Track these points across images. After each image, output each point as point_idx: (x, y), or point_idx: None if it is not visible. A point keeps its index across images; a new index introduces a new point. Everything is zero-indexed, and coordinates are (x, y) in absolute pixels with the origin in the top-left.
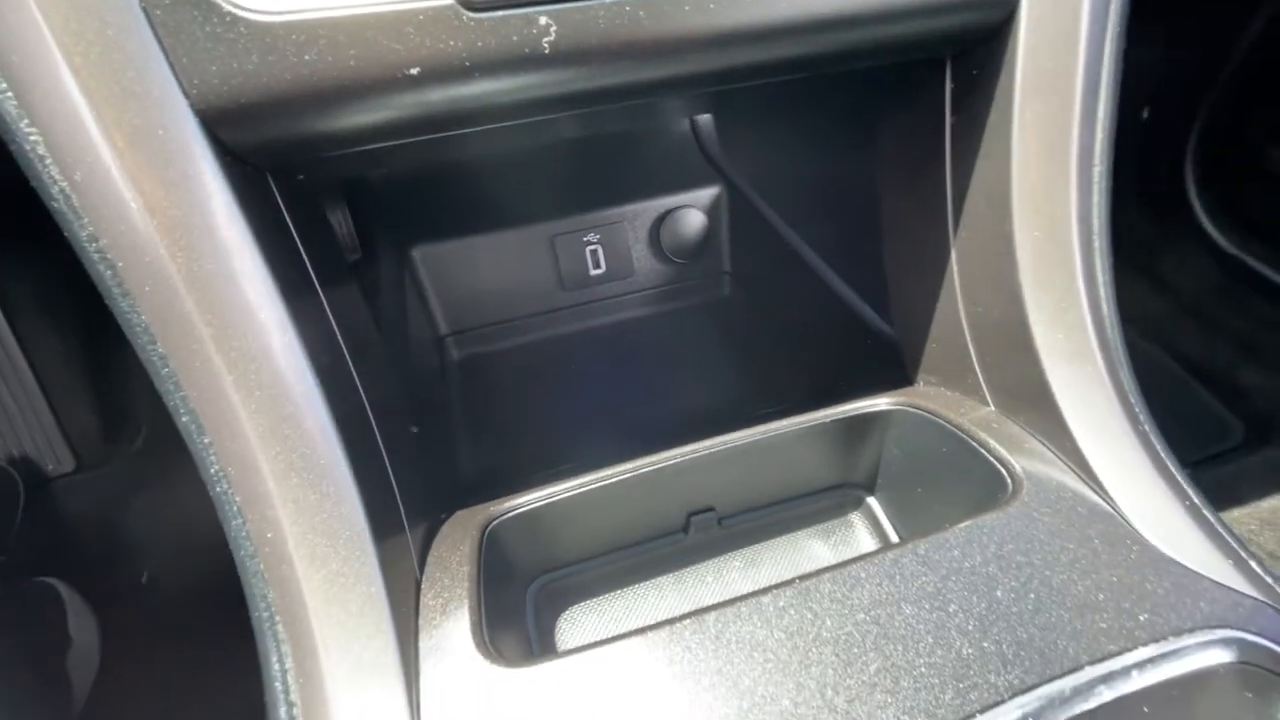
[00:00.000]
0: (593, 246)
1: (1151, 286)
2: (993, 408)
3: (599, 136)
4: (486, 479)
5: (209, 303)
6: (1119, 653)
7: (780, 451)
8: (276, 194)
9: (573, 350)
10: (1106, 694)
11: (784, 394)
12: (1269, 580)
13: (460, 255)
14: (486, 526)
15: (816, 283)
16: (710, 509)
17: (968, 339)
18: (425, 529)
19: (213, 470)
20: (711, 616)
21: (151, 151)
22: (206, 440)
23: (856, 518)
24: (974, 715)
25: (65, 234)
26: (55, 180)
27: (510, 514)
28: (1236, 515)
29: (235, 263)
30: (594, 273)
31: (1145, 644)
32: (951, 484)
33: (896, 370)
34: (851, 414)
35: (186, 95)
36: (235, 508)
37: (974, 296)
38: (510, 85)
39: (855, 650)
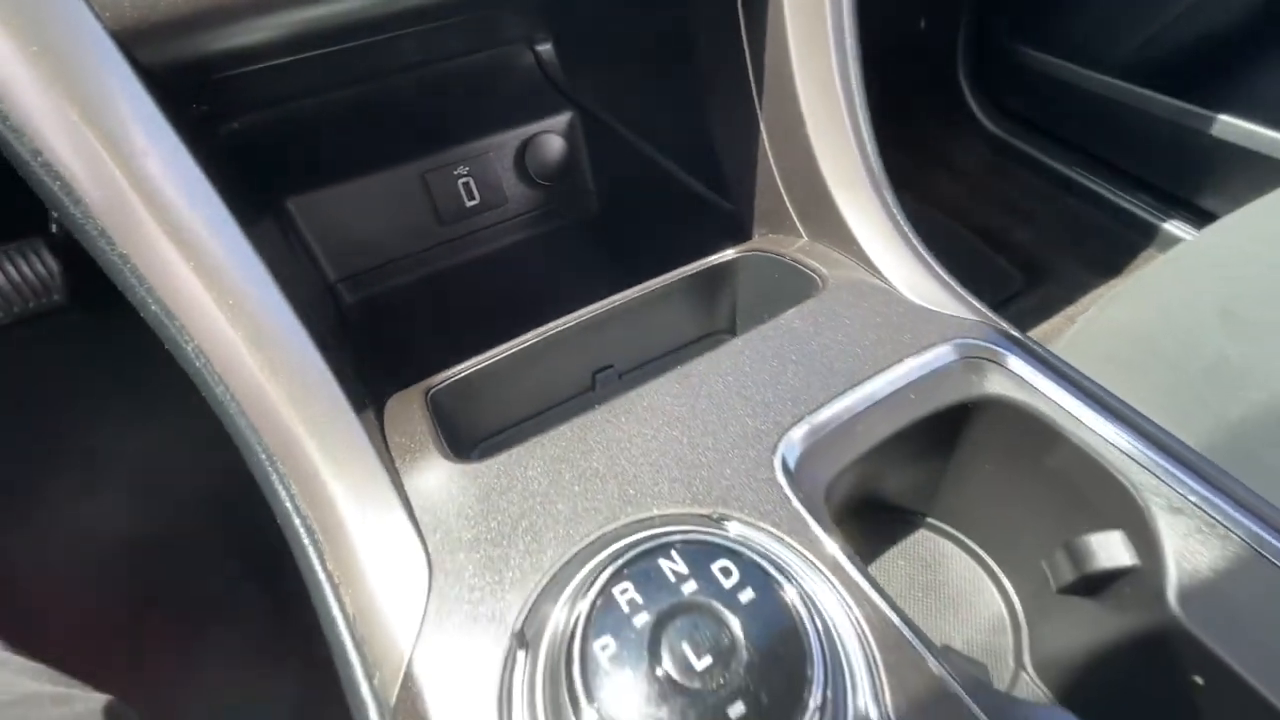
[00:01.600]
0: (464, 179)
1: (946, 173)
2: (805, 239)
3: (454, 74)
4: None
5: (158, 201)
6: (893, 362)
7: (657, 307)
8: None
9: (463, 279)
10: (886, 386)
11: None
12: (981, 308)
13: (336, 202)
14: (428, 393)
15: (669, 182)
16: (610, 366)
17: (782, 192)
18: (374, 401)
19: (188, 349)
20: (600, 414)
21: (79, 65)
22: (178, 324)
23: None
24: (785, 430)
25: (7, 155)
26: None
27: (446, 382)
28: None
29: (175, 161)
30: (469, 204)
31: (910, 354)
32: (782, 301)
33: (741, 235)
34: (708, 266)
35: (99, 19)
36: (215, 376)
37: (781, 158)
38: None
39: (703, 406)
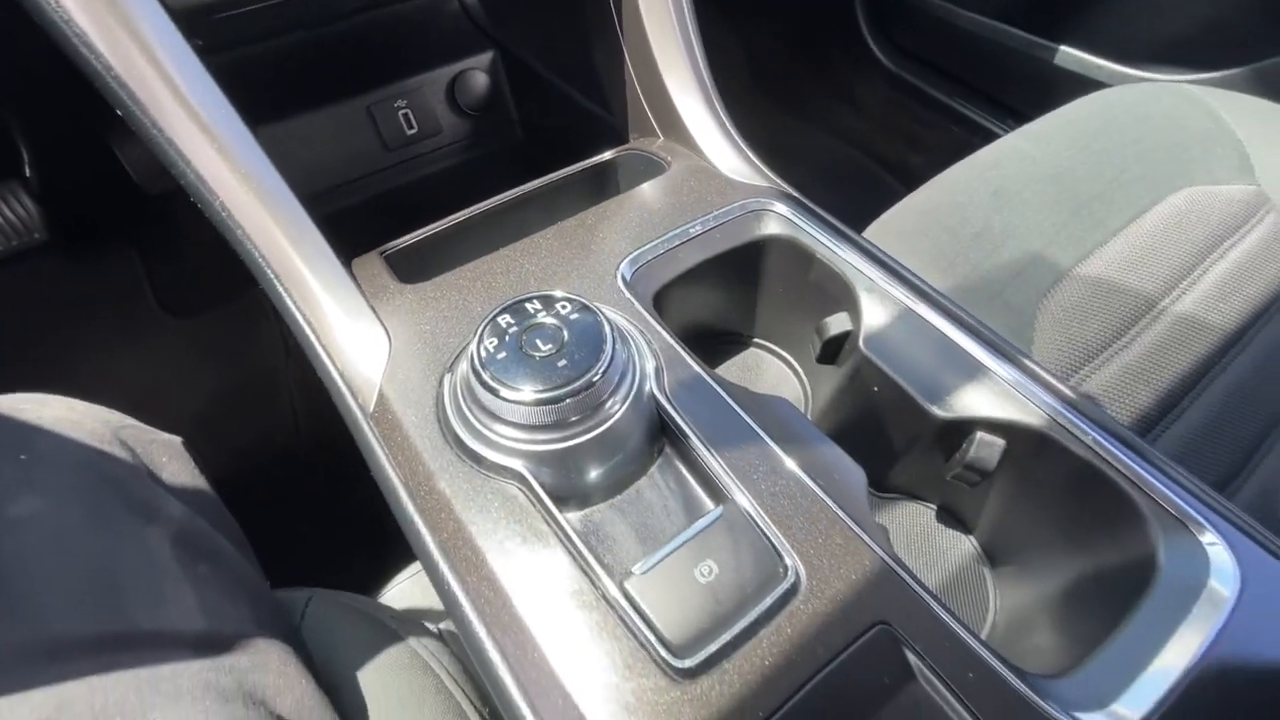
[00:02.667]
0: (403, 111)
1: (850, 109)
2: (661, 138)
3: (391, 20)
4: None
5: (191, 104)
6: (705, 214)
7: (557, 194)
8: None
9: (409, 196)
10: (698, 229)
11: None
12: (773, 178)
13: (297, 132)
14: (383, 252)
15: (572, 105)
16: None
17: (644, 106)
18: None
19: (206, 194)
20: (504, 252)
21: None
22: (208, 188)
23: None
24: (625, 256)
25: (68, 52)
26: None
27: (398, 247)
28: None
29: (202, 78)
30: (409, 133)
31: (717, 208)
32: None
33: (623, 141)
34: (594, 163)
35: None
36: (233, 220)
37: (641, 79)
38: None
39: (575, 244)
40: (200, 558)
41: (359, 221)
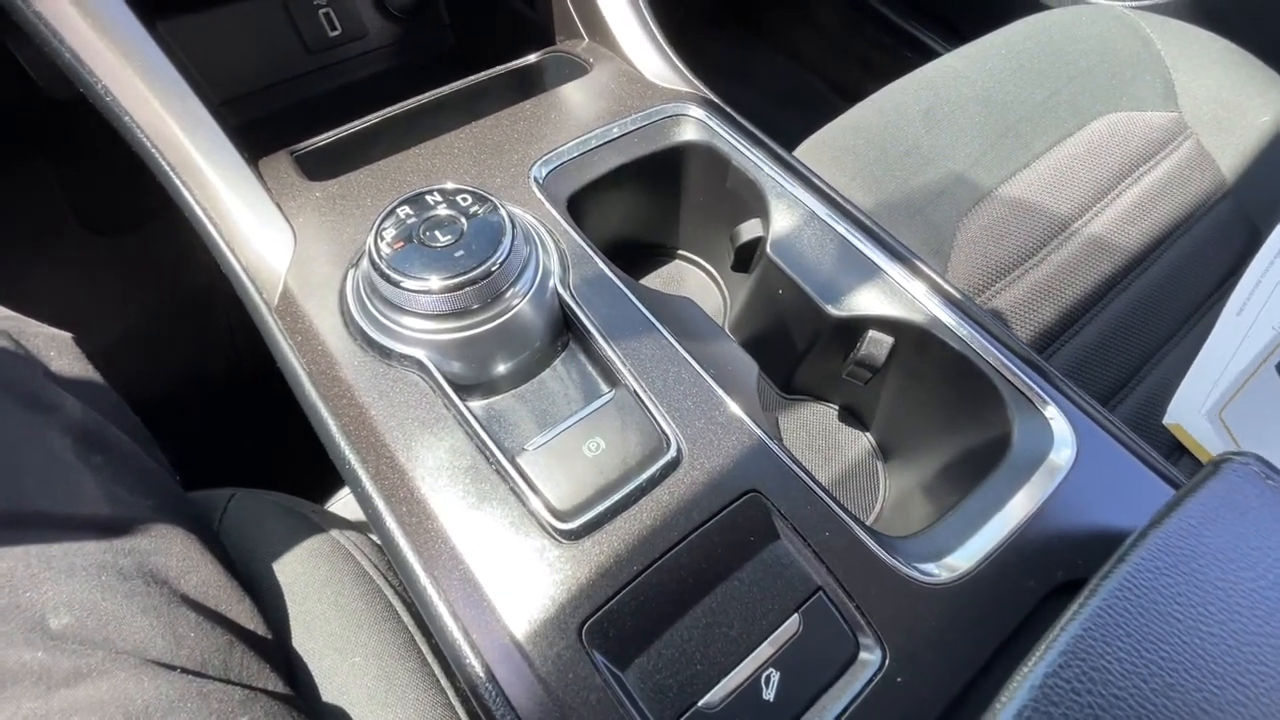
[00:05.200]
0: (324, 9)
1: (806, 27)
2: (587, 41)
3: None
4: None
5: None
6: (624, 117)
7: (479, 96)
8: None
9: (334, 101)
10: (616, 131)
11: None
12: (696, 84)
13: (205, 28)
14: (293, 153)
15: (504, 8)
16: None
17: (570, 9)
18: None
19: (85, 76)
20: (415, 150)
21: None
22: (111, 95)
23: None
24: (540, 157)
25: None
26: None
27: (309, 147)
28: None
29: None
30: (332, 34)
31: (636, 112)
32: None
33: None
34: (520, 64)
35: None
36: (119, 106)
37: None
38: None
39: (489, 145)
40: (95, 449)
41: (276, 130)
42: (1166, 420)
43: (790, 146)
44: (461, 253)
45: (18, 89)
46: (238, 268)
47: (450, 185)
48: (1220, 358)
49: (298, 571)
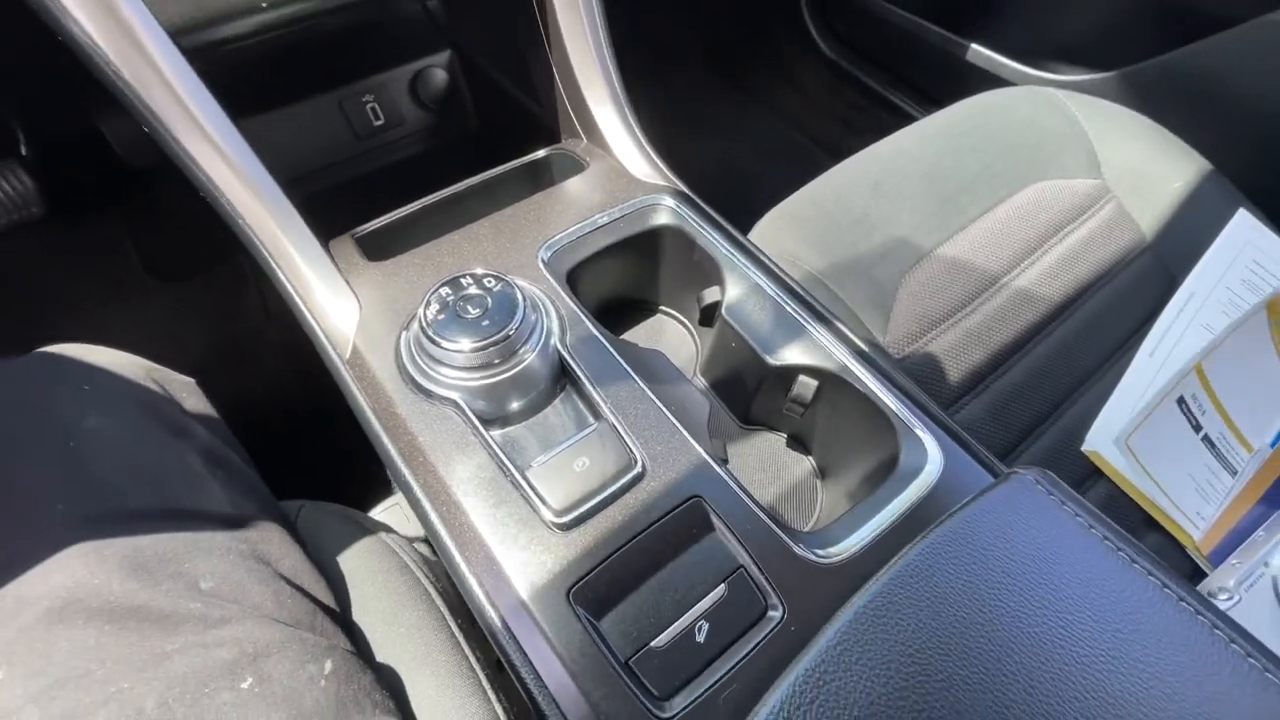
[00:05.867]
0: (371, 104)
1: (793, 90)
2: (584, 140)
3: (358, 23)
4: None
5: (192, 108)
6: (611, 207)
7: (498, 185)
8: None
9: (377, 180)
10: (605, 219)
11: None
12: (672, 178)
13: (275, 125)
14: (354, 235)
15: (517, 104)
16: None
17: (570, 111)
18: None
19: (214, 193)
20: (448, 237)
21: (152, 43)
22: (209, 176)
23: None
24: (544, 241)
25: (107, 85)
26: (114, 70)
27: (366, 231)
28: None
29: (199, 97)
30: (377, 124)
31: (622, 203)
32: (565, 178)
33: (555, 140)
34: (528, 159)
35: (159, 21)
36: (233, 209)
37: (565, 87)
38: (307, 5)
39: (507, 231)
40: (219, 465)
41: (334, 201)
42: (1084, 447)
43: (774, 199)
44: (487, 322)
45: (100, 157)
46: (318, 330)
47: (479, 270)
48: (1134, 393)
49: (354, 564)
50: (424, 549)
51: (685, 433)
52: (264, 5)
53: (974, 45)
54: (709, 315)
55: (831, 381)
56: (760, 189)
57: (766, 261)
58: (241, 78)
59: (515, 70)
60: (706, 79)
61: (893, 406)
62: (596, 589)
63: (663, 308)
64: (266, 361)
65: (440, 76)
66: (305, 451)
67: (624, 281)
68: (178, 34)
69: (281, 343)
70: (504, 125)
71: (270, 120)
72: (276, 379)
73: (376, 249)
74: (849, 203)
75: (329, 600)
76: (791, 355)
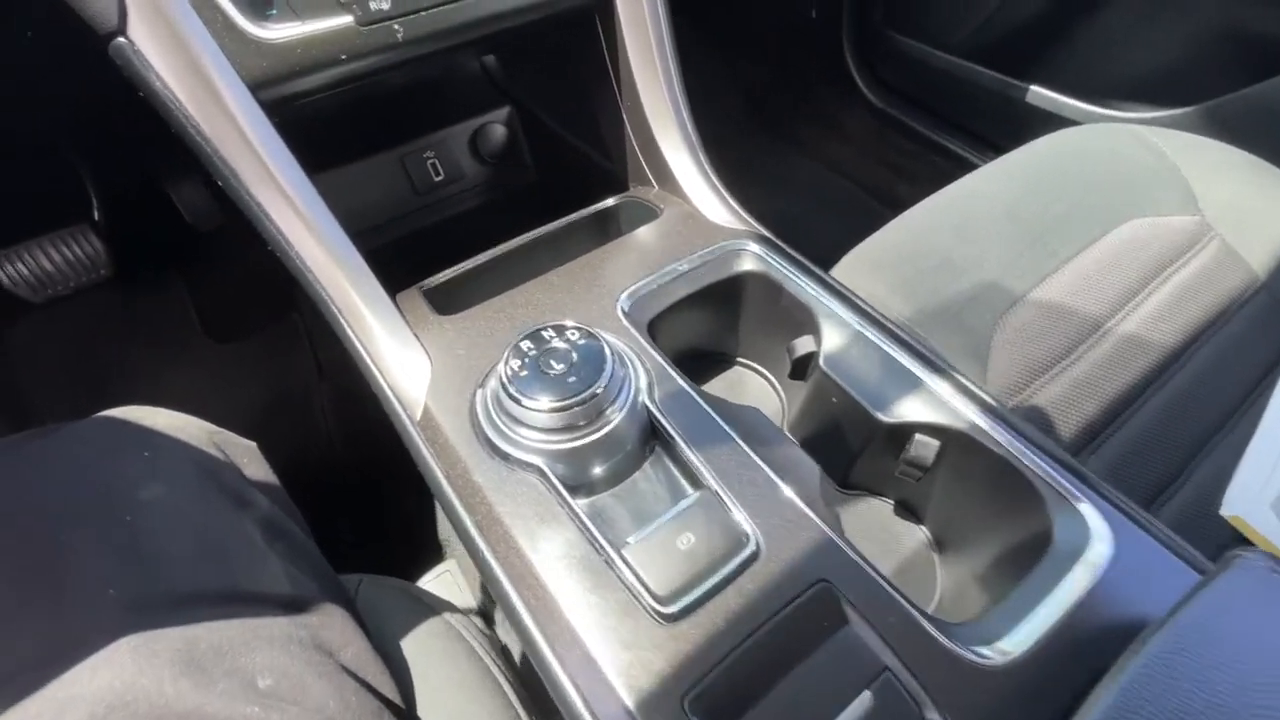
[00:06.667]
0: (431, 160)
1: (837, 138)
2: (656, 187)
3: (421, 83)
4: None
5: (271, 166)
6: (690, 254)
7: (567, 235)
8: None
9: (437, 233)
10: (685, 266)
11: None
12: (750, 221)
13: (341, 181)
14: (422, 288)
15: (578, 154)
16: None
17: (640, 158)
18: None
19: (285, 247)
20: (522, 288)
21: (232, 99)
22: (281, 231)
23: None
24: (624, 290)
25: (200, 157)
26: (193, 124)
27: (435, 284)
28: None
29: (275, 149)
30: (437, 179)
31: (701, 249)
32: (638, 226)
33: (622, 188)
34: (597, 208)
35: (239, 74)
36: (303, 263)
37: (636, 134)
38: (386, 58)
39: (583, 281)
40: (279, 537)
41: (395, 256)
42: (1224, 511)
43: (832, 248)
44: (573, 378)
45: (167, 221)
46: (387, 390)
47: (570, 323)
48: (1274, 447)
49: (419, 649)
50: (480, 621)
51: (801, 503)
52: (343, 58)
53: (1033, 87)
54: (801, 367)
55: (957, 441)
56: (816, 236)
57: (866, 308)
58: (309, 135)
59: (575, 119)
60: (749, 127)
61: (1040, 472)
62: (716, 696)
63: (741, 359)
64: (316, 423)
65: (499, 132)
66: (353, 514)
67: (701, 332)
68: (257, 88)
69: (332, 404)
70: (562, 175)
71: (335, 177)
72: (326, 440)
73: (446, 302)
74: (930, 246)
75: (394, 695)
76: (907, 411)
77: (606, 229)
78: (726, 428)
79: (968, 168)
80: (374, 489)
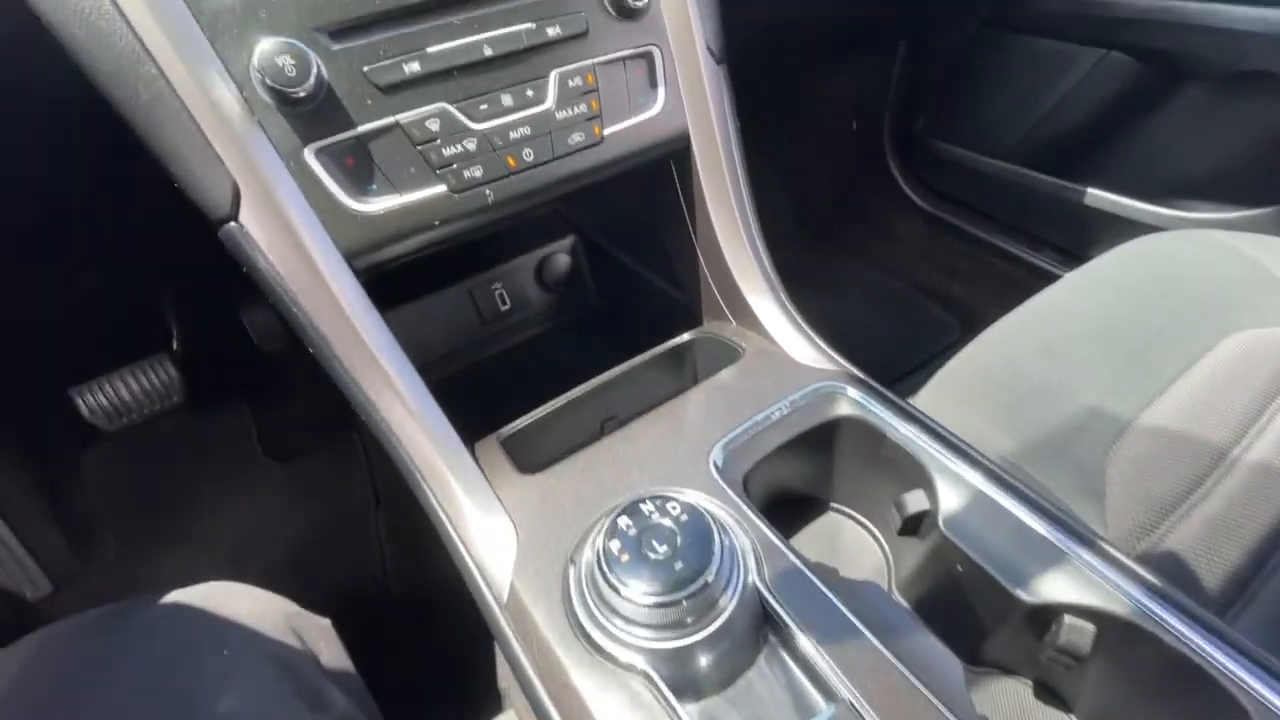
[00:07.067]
0: (499, 291)
1: (885, 241)
2: (734, 323)
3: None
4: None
5: (356, 327)
6: (781, 399)
7: (642, 373)
8: None
9: (503, 363)
10: (776, 414)
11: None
12: (840, 360)
13: (411, 316)
14: (500, 438)
15: (645, 285)
16: (614, 416)
17: (715, 293)
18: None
19: (375, 416)
20: (607, 442)
21: (329, 272)
22: (370, 400)
23: None
24: (715, 443)
25: (291, 323)
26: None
27: (510, 432)
28: None
29: (365, 314)
30: (503, 309)
31: (792, 393)
32: (718, 366)
33: (695, 323)
34: (673, 344)
35: (337, 246)
36: (391, 429)
37: (710, 269)
38: (476, 220)
39: (668, 432)
40: None
41: (464, 384)
42: None
43: (895, 356)
44: (680, 564)
45: (237, 345)
46: (471, 565)
47: (672, 494)
48: None
49: None
50: None
51: (949, 714)
52: (436, 223)
53: (1090, 190)
54: (913, 525)
55: (1117, 628)
56: (874, 337)
57: (985, 461)
58: (387, 280)
59: (645, 252)
60: (801, 241)
61: (1232, 675)
62: None
63: (835, 504)
64: (371, 551)
65: (565, 261)
66: (404, 651)
67: (791, 475)
68: (352, 256)
69: (390, 532)
70: (627, 304)
71: (405, 313)
72: (381, 572)
73: (525, 453)
74: (1021, 369)
75: None
76: (1053, 590)
77: (684, 367)
78: (853, 619)
79: (1026, 267)
80: (427, 624)
